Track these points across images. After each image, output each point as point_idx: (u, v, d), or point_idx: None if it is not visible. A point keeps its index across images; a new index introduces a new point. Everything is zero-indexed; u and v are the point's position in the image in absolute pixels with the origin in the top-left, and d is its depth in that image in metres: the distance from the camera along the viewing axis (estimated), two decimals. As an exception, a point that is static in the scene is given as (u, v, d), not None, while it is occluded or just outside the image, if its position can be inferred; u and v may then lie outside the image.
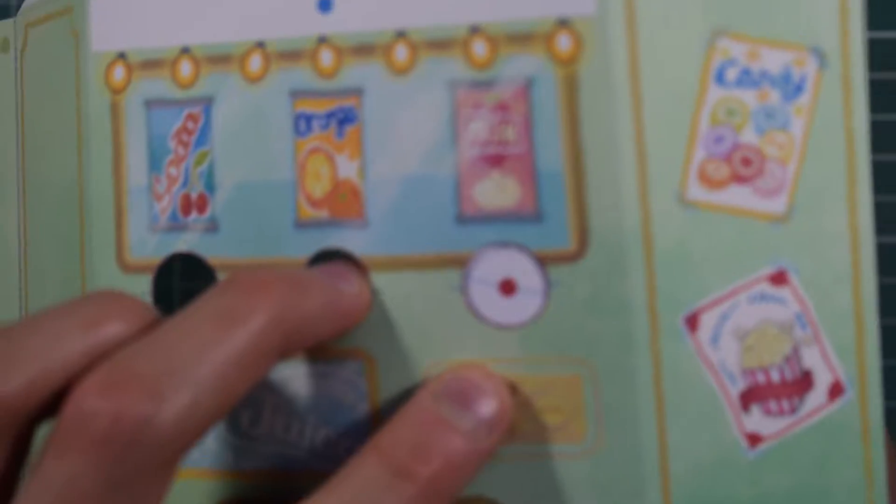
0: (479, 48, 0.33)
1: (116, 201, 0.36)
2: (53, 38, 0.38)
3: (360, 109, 0.34)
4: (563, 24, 0.32)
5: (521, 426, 0.34)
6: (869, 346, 0.33)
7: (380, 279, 0.34)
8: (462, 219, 0.33)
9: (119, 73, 0.36)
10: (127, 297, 0.30)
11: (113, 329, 0.30)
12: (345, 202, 0.34)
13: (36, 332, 0.29)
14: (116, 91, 0.36)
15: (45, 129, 0.38)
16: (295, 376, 0.35)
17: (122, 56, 0.36)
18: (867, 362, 0.33)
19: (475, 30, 0.33)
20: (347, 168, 0.34)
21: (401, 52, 0.33)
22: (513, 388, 0.33)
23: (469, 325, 0.33)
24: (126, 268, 0.36)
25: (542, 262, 0.33)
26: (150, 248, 0.36)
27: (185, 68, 0.35)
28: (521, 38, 0.32)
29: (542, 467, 0.34)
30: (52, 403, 0.29)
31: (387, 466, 0.31)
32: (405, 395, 0.34)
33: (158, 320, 0.30)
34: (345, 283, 0.33)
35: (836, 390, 0.33)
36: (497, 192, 0.33)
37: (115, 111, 0.36)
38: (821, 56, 0.32)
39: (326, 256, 0.34)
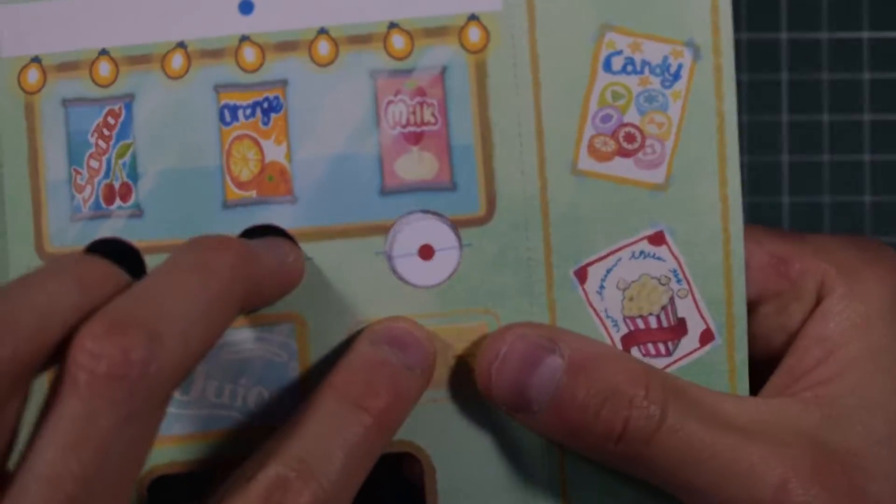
0: (398, 41, 0.40)
1: (34, 195, 0.41)
2: None
3: (285, 99, 0.40)
4: (473, 18, 0.39)
5: (438, 374, 0.40)
6: (737, 299, 0.41)
7: (309, 248, 0.40)
8: (385, 191, 0.40)
9: (33, 75, 0.41)
10: (104, 260, 0.35)
11: (100, 286, 0.34)
12: (272, 182, 0.40)
13: (33, 290, 0.33)
14: (31, 92, 0.41)
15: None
16: (227, 343, 0.40)
17: (35, 60, 0.41)
18: (735, 313, 0.41)
19: (393, 25, 0.39)
20: (274, 151, 0.40)
21: (323, 48, 0.40)
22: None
23: (392, 286, 0.40)
24: (45, 256, 0.41)
25: (456, 226, 0.39)
26: (71, 236, 0.41)
27: (104, 69, 0.40)
28: (436, 32, 0.40)
29: (456, 409, 0.41)
30: (49, 358, 0.34)
31: (344, 402, 0.37)
32: (334, 353, 0.40)
33: (132, 281, 0.35)
34: (282, 253, 0.38)
35: (706, 337, 0.41)
36: (416, 165, 0.40)
37: (29, 110, 0.41)
38: (695, 48, 0.40)
39: (256, 231, 0.40)
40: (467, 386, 0.41)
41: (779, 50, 0.59)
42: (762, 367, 0.43)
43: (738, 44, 0.59)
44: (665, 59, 0.41)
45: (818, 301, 0.42)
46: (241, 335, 0.41)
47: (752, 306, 0.43)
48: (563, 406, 0.38)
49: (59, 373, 0.32)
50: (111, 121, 0.41)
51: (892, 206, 0.61)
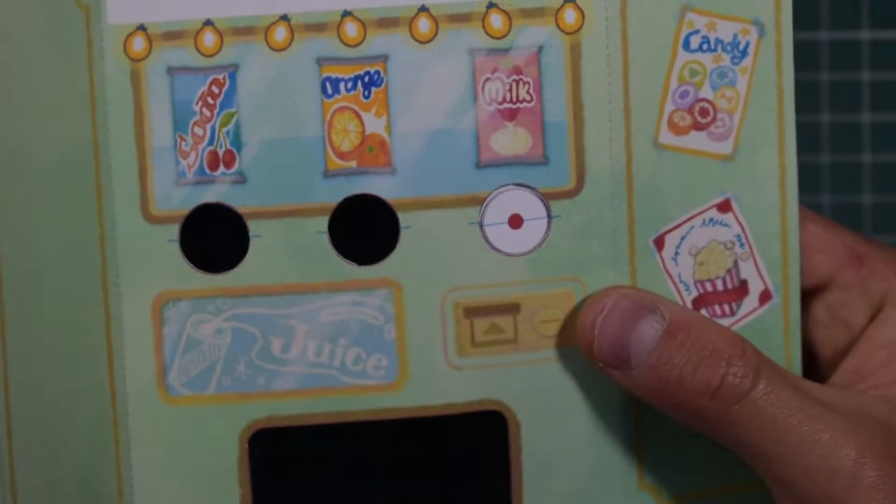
0: (496, 21, 0.42)
1: (140, 160, 0.43)
2: (49, 12, 0.43)
3: (386, 74, 0.42)
4: (570, 0, 0.41)
5: (525, 338, 0.43)
6: (792, 260, 0.44)
7: (406, 217, 0.42)
8: (480, 165, 0.42)
9: (139, 43, 0.42)
10: None
11: None
12: (372, 154, 0.42)
13: None
14: (136, 59, 0.42)
15: (32, 97, 0.43)
16: (327, 305, 0.43)
17: (141, 28, 0.42)
18: (790, 274, 0.44)
19: (492, 5, 0.42)
20: (375, 124, 0.42)
21: (423, 25, 0.42)
22: (517, 306, 0.43)
23: (484, 254, 0.43)
24: (151, 219, 0.42)
25: (546, 197, 0.42)
26: (177, 200, 0.43)
27: (209, 39, 0.42)
28: (533, 13, 0.42)
29: (542, 370, 0.43)
30: None
31: None
32: (427, 317, 0.43)
33: None
34: None
35: (765, 296, 0.44)
36: (511, 140, 0.42)
37: (135, 78, 0.43)
38: (760, 26, 0.43)
39: (356, 201, 0.42)
40: (553, 349, 0.44)
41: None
42: (816, 361, 0.48)
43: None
44: (735, 36, 0.43)
45: (880, 307, 0.45)
46: (341, 298, 0.43)
47: (820, 291, 0.46)
48: (661, 362, 0.41)
49: None
50: (215, 90, 0.43)
51: (892, 206, 0.63)
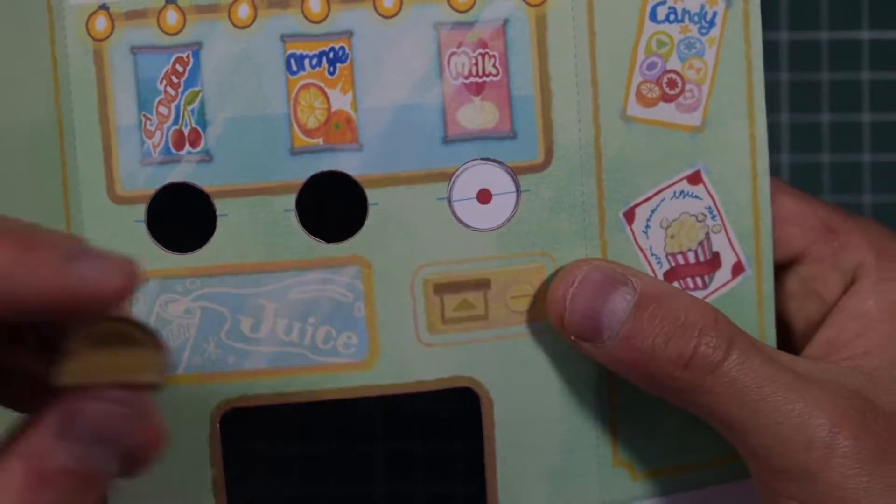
0: None
1: (104, 139, 0.42)
2: None
3: (351, 49, 0.41)
4: None
5: (496, 314, 0.42)
6: (764, 232, 0.44)
7: (374, 194, 0.42)
8: (448, 140, 0.42)
9: (101, 23, 0.42)
10: None
11: None
12: (339, 130, 0.42)
13: None
14: (99, 39, 0.42)
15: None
16: (296, 283, 0.42)
17: (103, 7, 0.42)
18: (762, 246, 0.44)
19: None
20: (340, 100, 0.42)
21: (388, 0, 0.41)
22: (487, 282, 0.42)
23: (453, 230, 0.42)
24: (117, 199, 0.42)
25: (515, 172, 0.42)
26: (142, 180, 0.42)
27: (172, 17, 0.42)
28: None
29: (513, 346, 0.43)
30: None
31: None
32: (397, 294, 0.42)
33: None
34: (86, 266, 0.32)
35: (737, 269, 0.44)
36: (478, 115, 0.42)
37: (98, 57, 0.42)
38: None
39: (323, 178, 0.42)
40: (524, 324, 0.44)
41: (779, 50, 0.60)
42: (789, 334, 0.47)
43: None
44: (702, 6, 0.43)
45: (853, 279, 0.45)
46: (309, 276, 0.43)
47: (793, 264, 0.46)
48: (633, 333, 0.41)
49: None
50: (179, 68, 0.42)
51: (892, 206, 0.62)
